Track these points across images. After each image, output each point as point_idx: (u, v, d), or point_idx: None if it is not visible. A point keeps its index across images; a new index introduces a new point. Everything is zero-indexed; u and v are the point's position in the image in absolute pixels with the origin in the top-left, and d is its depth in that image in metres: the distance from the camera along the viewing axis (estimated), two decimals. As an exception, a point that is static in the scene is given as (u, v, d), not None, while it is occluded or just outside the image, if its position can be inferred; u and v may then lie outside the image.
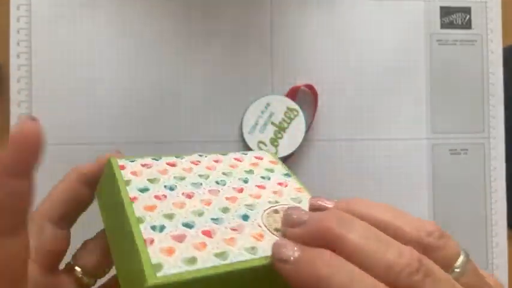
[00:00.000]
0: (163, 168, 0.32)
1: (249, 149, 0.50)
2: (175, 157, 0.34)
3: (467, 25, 0.56)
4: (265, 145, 0.50)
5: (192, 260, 0.24)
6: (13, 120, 0.49)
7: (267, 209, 0.30)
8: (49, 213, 0.29)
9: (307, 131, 0.52)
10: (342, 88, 0.53)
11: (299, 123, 0.51)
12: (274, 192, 0.32)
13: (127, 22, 0.51)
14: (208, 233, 0.27)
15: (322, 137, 0.53)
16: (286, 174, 0.35)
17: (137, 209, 0.28)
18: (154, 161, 0.33)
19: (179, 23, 0.51)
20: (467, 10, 0.56)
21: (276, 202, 0.31)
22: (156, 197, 0.29)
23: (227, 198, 0.31)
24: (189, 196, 0.30)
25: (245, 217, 0.29)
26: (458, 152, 0.55)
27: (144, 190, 0.30)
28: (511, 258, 0.55)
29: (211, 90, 0.51)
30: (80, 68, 0.50)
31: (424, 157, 0.55)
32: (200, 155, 0.34)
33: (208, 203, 0.30)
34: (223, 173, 0.33)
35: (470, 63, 0.56)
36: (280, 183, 0.34)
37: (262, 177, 0.34)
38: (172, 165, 0.33)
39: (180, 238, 0.26)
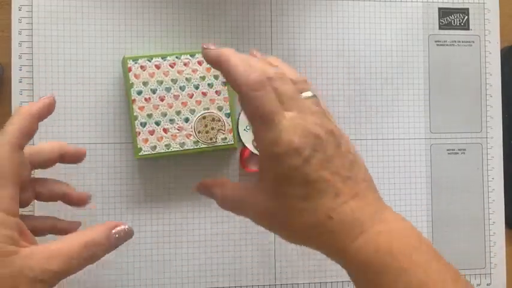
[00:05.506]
0: (152, 71, 0.46)
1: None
2: (161, 58, 0.47)
3: (466, 26, 0.56)
4: None
5: (154, 148, 0.46)
6: (15, 120, 0.49)
7: (199, 115, 0.47)
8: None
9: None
10: (341, 89, 0.54)
11: None
12: (211, 100, 0.47)
13: (129, 23, 0.51)
14: (165, 131, 0.46)
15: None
16: (224, 83, 0.47)
17: (135, 110, 0.46)
18: (148, 62, 0.46)
19: (180, 23, 0.52)
20: (465, 11, 0.56)
21: (208, 109, 0.47)
22: (145, 99, 0.46)
23: (182, 103, 0.47)
24: (162, 99, 0.46)
25: (186, 120, 0.47)
26: (456, 151, 0.55)
27: (139, 93, 0.46)
28: (509, 257, 0.56)
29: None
30: (82, 69, 0.50)
31: (422, 157, 0.55)
32: (177, 57, 0.47)
33: (171, 106, 0.46)
34: (186, 79, 0.47)
35: (468, 64, 0.56)
36: (217, 92, 0.47)
37: (208, 85, 0.47)
38: (158, 67, 0.46)
39: (151, 133, 0.46)
